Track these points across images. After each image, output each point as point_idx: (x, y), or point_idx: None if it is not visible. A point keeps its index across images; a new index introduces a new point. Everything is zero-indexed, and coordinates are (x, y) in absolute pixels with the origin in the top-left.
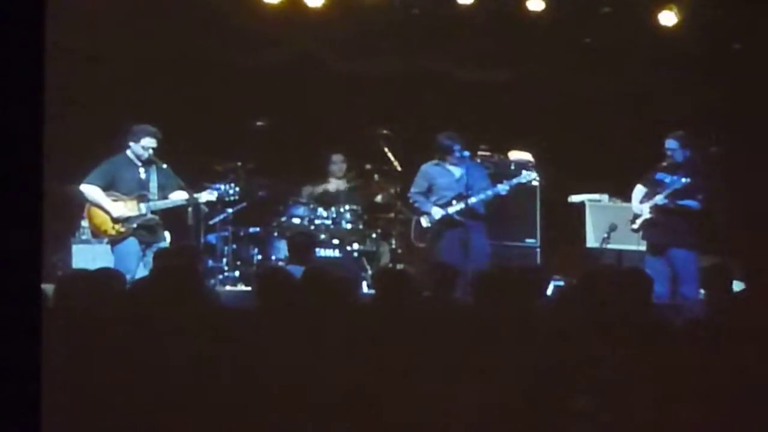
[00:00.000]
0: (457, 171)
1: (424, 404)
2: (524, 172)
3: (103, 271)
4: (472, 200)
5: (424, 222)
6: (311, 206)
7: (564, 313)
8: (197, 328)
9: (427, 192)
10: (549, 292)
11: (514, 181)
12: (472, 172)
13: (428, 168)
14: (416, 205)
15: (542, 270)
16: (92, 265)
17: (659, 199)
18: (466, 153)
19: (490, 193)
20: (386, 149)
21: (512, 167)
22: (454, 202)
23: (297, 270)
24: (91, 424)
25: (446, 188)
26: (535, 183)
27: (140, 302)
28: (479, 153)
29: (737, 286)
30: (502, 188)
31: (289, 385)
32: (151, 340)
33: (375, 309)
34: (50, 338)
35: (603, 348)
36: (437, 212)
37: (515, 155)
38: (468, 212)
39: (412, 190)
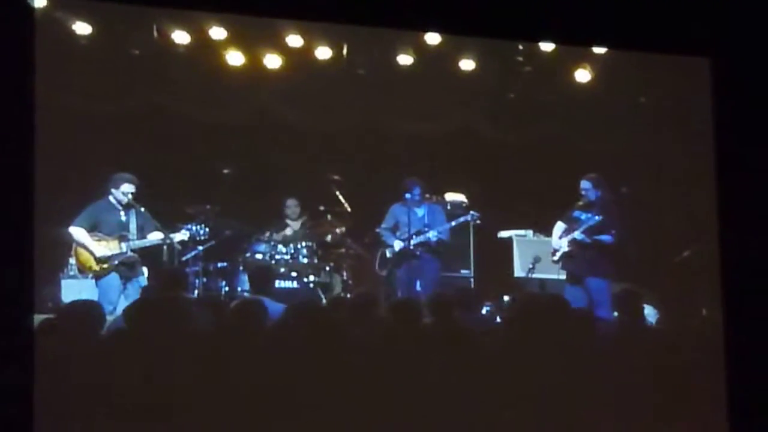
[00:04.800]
0: (420, 211)
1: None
2: (470, 212)
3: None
4: (429, 236)
5: (388, 253)
6: (272, 243)
7: (499, 332)
8: (178, 349)
9: (393, 228)
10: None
11: (461, 219)
12: (432, 212)
13: (396, 208)
14: (383, 239)
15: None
16: (78, 298)
17: (576, 234)
18: (427, 196)
19: (442, 229)
20: (337, 192)
21: (449, 207)
22: (414, 237)
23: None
24: None
25: (409, 225)
26: (478, 222)
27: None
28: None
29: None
30: (449, 227)
31: (265, 393)
32: (139, 360)
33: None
34: (42, 361)
35: (532, 360)
36: (398, 245)
37: (451, 197)
38: (424, 246)
39: (382, 225)
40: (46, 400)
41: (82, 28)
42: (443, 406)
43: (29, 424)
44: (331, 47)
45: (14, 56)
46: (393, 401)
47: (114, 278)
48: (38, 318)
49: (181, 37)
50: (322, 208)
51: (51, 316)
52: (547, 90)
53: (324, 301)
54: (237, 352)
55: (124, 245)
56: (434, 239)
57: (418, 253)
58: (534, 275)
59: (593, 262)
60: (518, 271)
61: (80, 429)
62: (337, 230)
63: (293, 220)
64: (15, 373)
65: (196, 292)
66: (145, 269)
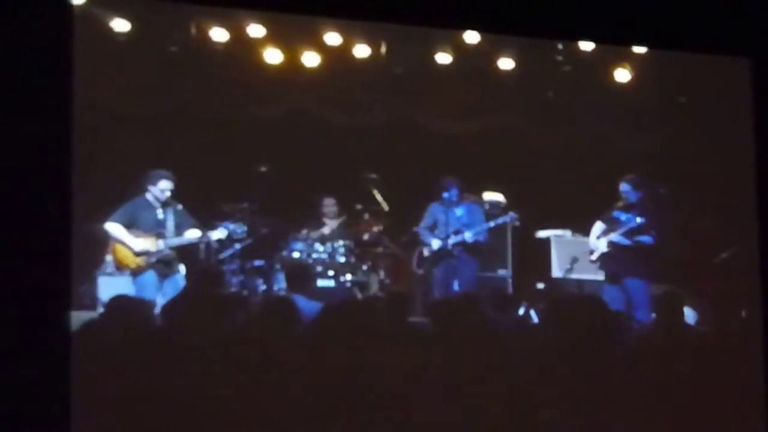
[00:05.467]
0: (458, 210)
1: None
2: (510, 213)
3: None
4: (467, 235)
5: (426, 252)
6: (309, 242)
7: (536, 332)
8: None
9: (432, 227)
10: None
11: (500, 220)
12: (470, 212)
13: (434, 207)
14: (421, 237)
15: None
16: (124, 294)
17: (614, 235)
18: (466, 195)
19: (480, 229)
20: (374, 191)
21: (487, 207)
22: (452, 236)
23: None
24: None
25: (447, 224)
26: (516, 224)
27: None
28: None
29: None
30: (487, 227)
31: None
32: (174, 358)
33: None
34: (80, 357)
35: (569, 360)
36: (436, 244)
37: (489, 196)
38: (462, 245)
39: (421, 225)
40: (83, 396)
41: (120, 26)
42: (478, 405)
43: (66, 421)
44: (370, 45)
45: (52, 53)
46: (424, 400)
47: (151, 275)
48: (75, 315)
49: (219, 34)
50: (359, 206)
51: (94, 313)
52: (587, 89)
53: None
54: (268, 350)
55: (161, 243)
56: (472, 239)
57: (455, 252)
58: (572, 276)
59: (632, 262)
60: (556, 272)
61: (116, 425)
62: (375, 229)
63: (331, 218)
64: (52, 371)
65: (232, 290)
66: (182, 267)
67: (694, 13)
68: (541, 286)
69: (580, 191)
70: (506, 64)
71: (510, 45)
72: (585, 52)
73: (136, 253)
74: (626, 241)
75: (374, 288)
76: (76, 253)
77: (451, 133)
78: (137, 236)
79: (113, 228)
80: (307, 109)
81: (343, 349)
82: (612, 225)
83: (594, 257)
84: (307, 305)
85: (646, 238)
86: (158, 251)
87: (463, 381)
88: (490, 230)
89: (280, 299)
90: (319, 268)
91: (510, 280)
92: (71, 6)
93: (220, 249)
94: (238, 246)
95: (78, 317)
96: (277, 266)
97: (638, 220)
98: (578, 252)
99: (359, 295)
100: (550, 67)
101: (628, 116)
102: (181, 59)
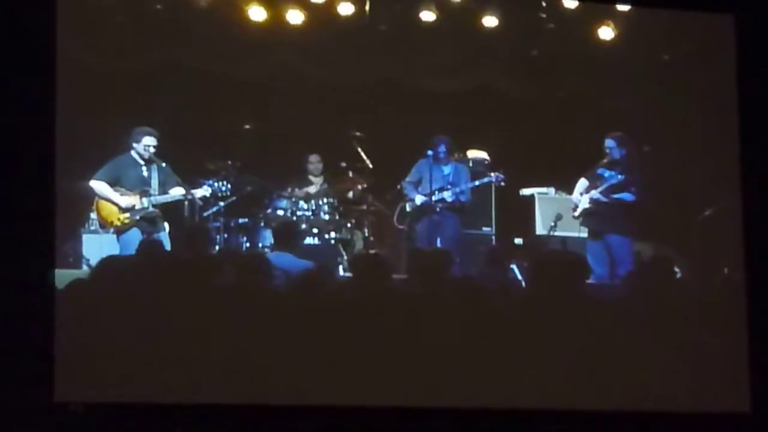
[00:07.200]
0: (446, 168)
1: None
2: (493, 174)
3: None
4: (446, 195)
5: (408, 207)
6: (293, 200)
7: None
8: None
9: (417, 183)
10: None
11: (485, 180)
12: (457, 171)
13: (422, 163)
14: (405, 192)
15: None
16: (99, 253)
17: (595, 192)
18: (454, 154)
19: (465, 188)
20: (359, 149)
21: (471, 164)
22: (436, 193)
23: (280, 255)
24: (101, 392)
25: (433, 181)
26: (502, 184)
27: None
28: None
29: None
30: (472, 186)
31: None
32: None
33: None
34: (64, 314)
35: (549, 317)
36: (419, 199)
37: (473, 154)
38: (445, 202)
39: (406, 179)
40: (67, 355)
41: None
42: (457, 363)
43: (50, 381)
44: (354, 3)
45: (36, 11)
46: (409, 356)
47: (135, 233)
48: (59, 273)
49: None
50: (343, 164)
51: (78, 271)
52: (570, 47)
53: (345, 257)
54: (254, 307)
55: (145, 200)
56: (455, 198)
57: (438, 209)
58: (556, 233)
59: (614, 219)
60: (540, 229)
61: (99, 384)
62: (359, 186)
63: (315, 176)
64: (36, 329)
65: (217, 248)
66: (166, 225)
67: None
68: (524, 243)
69: (565, 149)
70: (490, 21)
71: (494, 2)
72: (569, 10)
73: (122, 209)
74: (604, 199)
75: (358, 245)
76: (60, 211)
77: (435, 91)
78: (122, 194)
79: (98, 185)
80: (291, 66)
81: (328, 308)
82: (595, 182)
83: (576, 213)
84: (295, 263)
85: (627, 195)
86: (143, 209)
87: (446, 338)
88: (475, 188)
89: (257, 256)
90: (304, 226)
91: (494, 238)
92: None
93: (204, 207)
94: (222, 204)
95: (62, 275)
96: (262, 224)
97: (620, 177)
98: (562, 209)
99: (343, 253)
100: (534, 25)
101: (611, 74)
102: (165, 17)
